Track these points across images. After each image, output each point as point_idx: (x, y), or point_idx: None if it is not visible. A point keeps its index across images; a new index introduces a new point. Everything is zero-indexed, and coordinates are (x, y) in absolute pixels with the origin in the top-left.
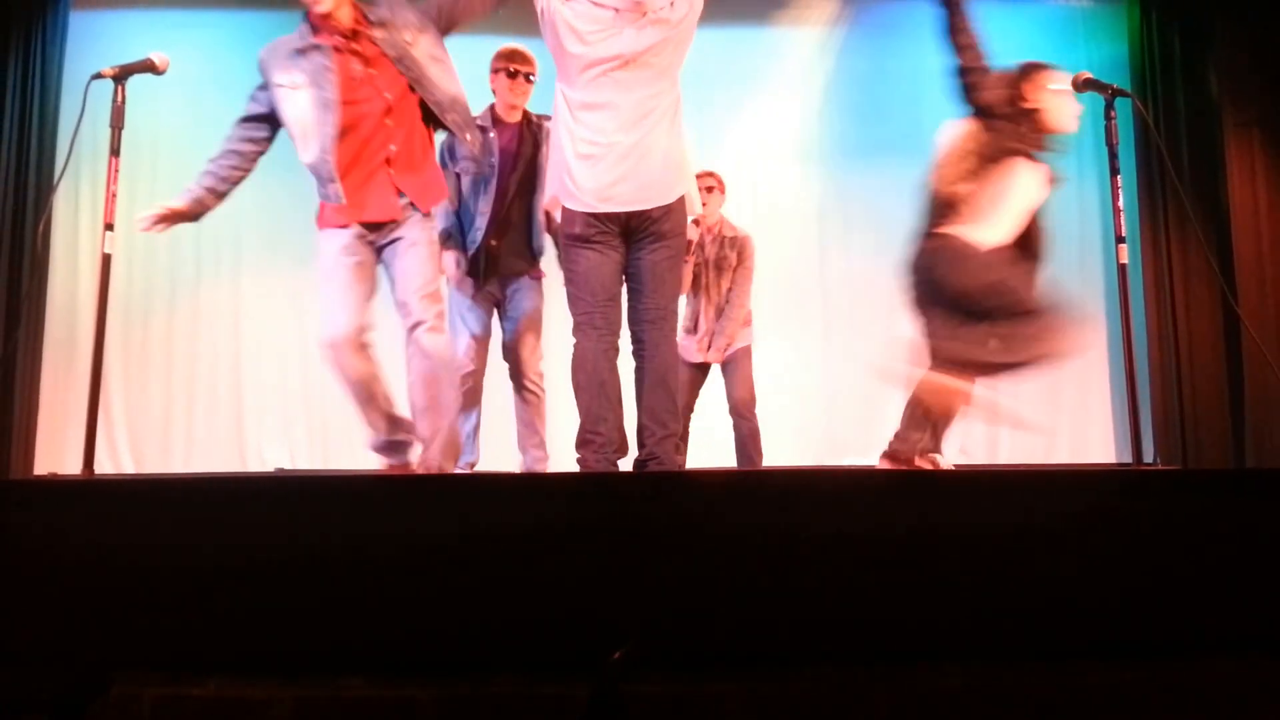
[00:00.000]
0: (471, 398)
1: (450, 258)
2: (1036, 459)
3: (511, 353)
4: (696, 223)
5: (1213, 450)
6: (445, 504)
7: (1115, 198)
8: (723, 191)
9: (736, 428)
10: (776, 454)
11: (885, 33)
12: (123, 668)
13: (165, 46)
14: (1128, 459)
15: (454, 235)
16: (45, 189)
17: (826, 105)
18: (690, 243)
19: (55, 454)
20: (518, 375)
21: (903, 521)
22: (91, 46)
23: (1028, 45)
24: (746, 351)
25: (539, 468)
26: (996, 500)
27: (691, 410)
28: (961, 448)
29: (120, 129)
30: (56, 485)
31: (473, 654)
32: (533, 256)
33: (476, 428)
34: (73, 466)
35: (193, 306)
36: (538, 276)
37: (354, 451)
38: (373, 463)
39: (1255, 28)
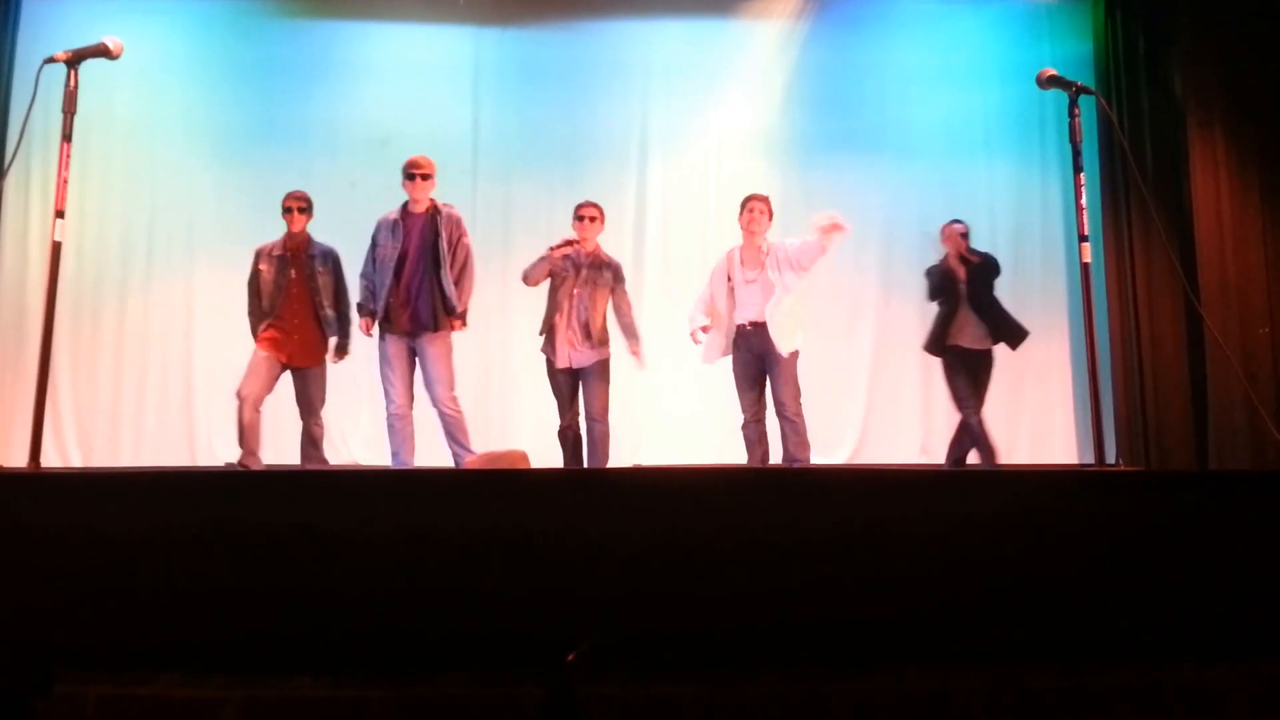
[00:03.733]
0: (406, 428)
1: (363, 323)
2: (998, 459)
3: (428, 387)
4: (571, 243)
5: (1176, 451)
6: (398, 502)
7: (1078, 195)
8: (602, 222)
9: (590, 430)
10: (741, 454)
11: (849, 26)
12: (67, 665)
13: (119, 31)
14: (1090, 460)
15: (365, 304)
16: None
17: (790, 98)
18: (563, 259)
19: (1, 446)
20: (436, 402)
21: (861, 521)
22: (44, 31)
23: (993, 42)
24: (605, 365)
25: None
26: (957, 501)
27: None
28: (922, 447)
29: (72, 114)
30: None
31: (425, 654)
32: (441, 314)
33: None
34: (19, 459)
35: (144, 298)
36: (449, 328)
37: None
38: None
39: (1219, 28)
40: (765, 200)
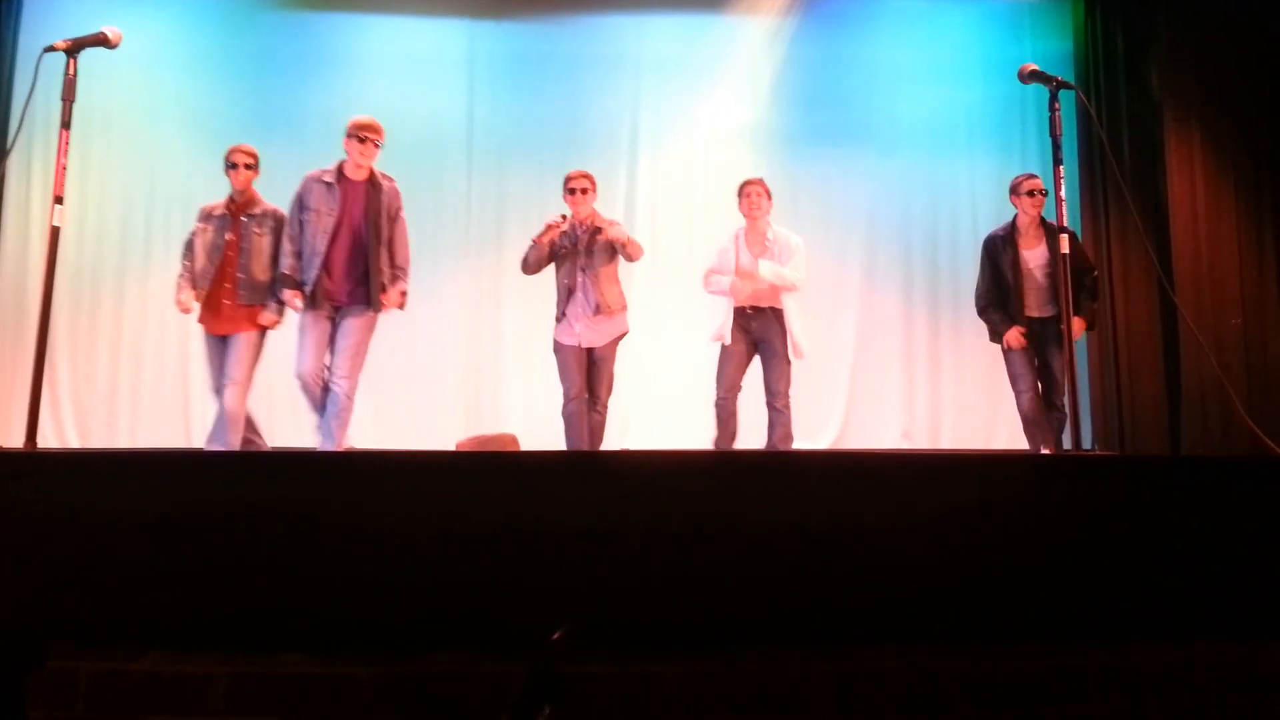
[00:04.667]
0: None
1: (289, 294)
2: (977, 444)
3: (335, 354)
4: (555, 226)
5: (1149, 437)
6: (385, 483)
7: (1058, 188)
8: (594, 192)
9: (589, 416)
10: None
11: (835, 22)
12: (60, 642)
13: (118, 21)
14: (1066, 445)
15: (289, 276)
16: None
17: (778, 92)
18: (559, 237)
19: (3, 427)
20: (333, 374)
21: (843, 506)
22: (45, 20)
23: (976, 38)
24: (616, 344)
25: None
26: (936, 485)
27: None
28: (904, 432)
29: (71, 102)
30: None
31: (414, 633)
32: (368, 294)
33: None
34: (17, 440)
35: (142, 282)
36: (373, 310)
37: (298, 429)
38: (315, 441)
39: (1196, 26)
40: (762, 183)
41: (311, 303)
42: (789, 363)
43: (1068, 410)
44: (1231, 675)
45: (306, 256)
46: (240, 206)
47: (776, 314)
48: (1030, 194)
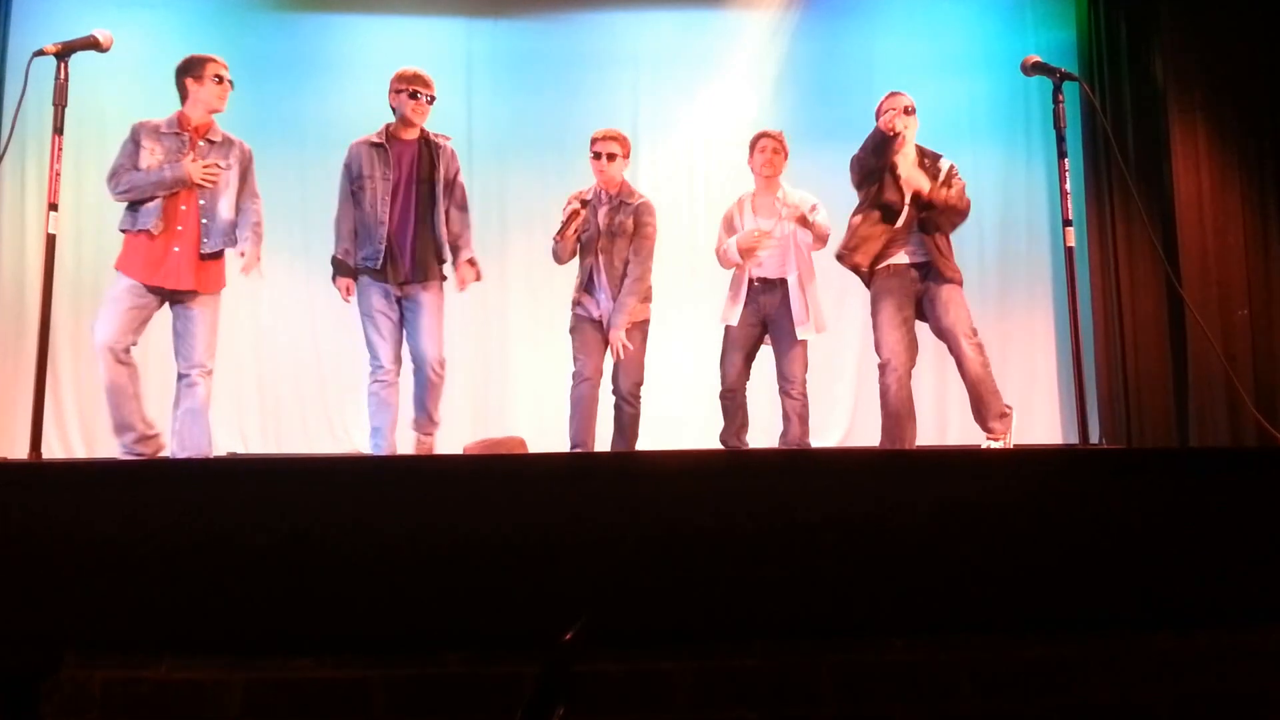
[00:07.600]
0: (393, 398)
1: (342, 284)
2: (984, 440)
3: (419, 344)
4: (570, 222)
5: (1156, 430)
6: (395, 487)
7: (1062, 181)
8: (626, 157)
9: (619, 409)
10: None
11: (838, 16)
12: (74, 650)
13: (109, 23)
14: (1074, 439)
15: (343, 263)
16: None
17: (780, 87)
18: (578, 212)
19: (5, 438)
20: (425, 363)
21: (849, 502)
22: (35, 22)
23: (979, 30)
24: (641, 329)
25: (425, 447)
26: (944, 480)
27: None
28: None
29: (63, 107)
30: (2, 468)
31: (424, 636)
32: (434, 263)
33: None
34: (23, 451)
35: None
36: (438, 280)
37: (305, 436)
38: (323, 447)
39: (1200, 16)
40: (779, 137)
41: (376, 277)
42: (801, 343)
43: (1075, 405)
44: (1233, 660)
45: (369, 228)
46: (200, 130)
47: (785, 287)
48: (892, 113)
